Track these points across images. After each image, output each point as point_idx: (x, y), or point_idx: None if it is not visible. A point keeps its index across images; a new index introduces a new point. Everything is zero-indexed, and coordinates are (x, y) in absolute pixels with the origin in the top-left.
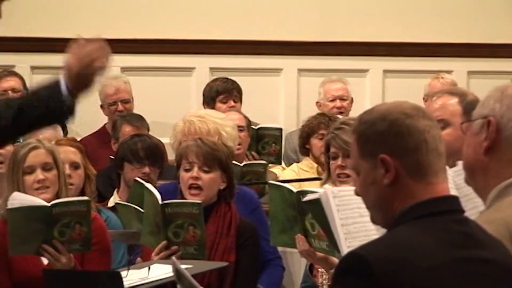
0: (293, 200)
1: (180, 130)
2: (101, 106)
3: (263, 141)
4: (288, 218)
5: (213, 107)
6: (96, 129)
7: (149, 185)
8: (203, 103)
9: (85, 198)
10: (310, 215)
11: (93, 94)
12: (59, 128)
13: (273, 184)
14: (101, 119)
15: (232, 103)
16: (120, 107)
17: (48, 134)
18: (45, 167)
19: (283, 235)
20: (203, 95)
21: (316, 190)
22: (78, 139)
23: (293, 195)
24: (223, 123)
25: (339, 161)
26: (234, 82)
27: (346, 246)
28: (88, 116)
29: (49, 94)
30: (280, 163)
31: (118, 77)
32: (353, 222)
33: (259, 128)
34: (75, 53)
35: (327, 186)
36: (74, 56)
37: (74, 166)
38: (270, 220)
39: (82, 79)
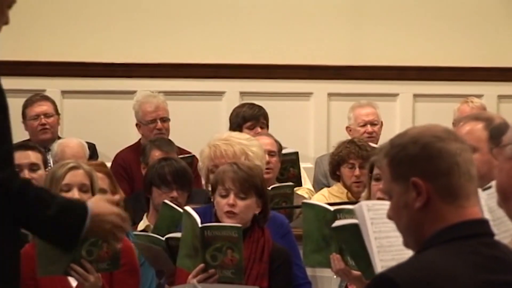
0: (330, 218)
1: (207, 156)
2: (137, 124)
3: (281, 167)
4: (324, 237)
5: None
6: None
7: (188, 208)
8: (230, 129)
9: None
10: (341, 240)
11: (113, 114)
12: (86, 147)
13: (307, 203)
14: (127, 140)
15: (258, 129)
16: (159, 125)
17: (75, 150)
18: (82, 188)
19: (317, 254)
20: (230, 121)
21: (353, 207)
22: (108, 162)
23: (329, 214)
24: (248, 143)
25: (381, 185)
26: (260, 108)
27: (379, 259)
28: (115, 136)
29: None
30: (301, 185)
31: (156, 96)
32: (386, 236)
33: None
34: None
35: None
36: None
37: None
38: (304, 239)
39: (102, 230)
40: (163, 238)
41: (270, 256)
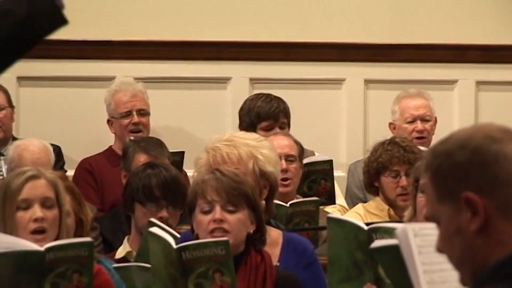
0: (363, 239)
1: (204, 163)
2: (108, 121)
3: (309, 179)
4: (355, 262)
5: None
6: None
7: (154, 229)
8: (240, 128)
9: (87, 239)
10: (382, 265)
11: (85, 107)
12: (51, 151)
13: (334, 218)
14: (103, 142)
15: (277, 130)
16: (136, 118)
17: (36, 155)
18: (46, 203)
19: (347, 284)
20: (240, 117)
21: (394, 225)
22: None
23: (362, 234)
24: (257, 144)
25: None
26: (280, 101)
27: None
28: (87, 137)
29: None
30: (334, 203)
31: (132, 83)
32: (439, 269)
33: (303, 165)
34: None
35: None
36: None
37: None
38: (329, 266)
39: None
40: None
41: (275, 285)
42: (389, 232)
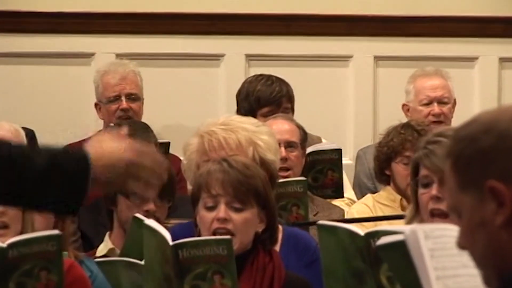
0: (361, 246)
1: (196, 149)
2: (96, 105)
3: (315, 169)
4: (354, 272)
5: None
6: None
7: (150, 222)
8: (238, 113)
9: (54, 232)
10: (386, 266)
11: (61, 87)
12: (23, 136)
13: (325, 225)
14: (82, 126)
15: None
16: (124, 103)
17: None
18: None
19: None
20: (238, 102)
21: (396, 228)
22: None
23: (359, 240)
24: (256, 129)
25: (434, 190)
26: (282, 84)
27: None
28: (64, 120)
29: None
30: (342, 196)
31: (124, 64)
32: (454, 274)
33: (308, 154)
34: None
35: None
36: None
37: None
38: (325, 278)
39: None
40: (142, 262)
41: None
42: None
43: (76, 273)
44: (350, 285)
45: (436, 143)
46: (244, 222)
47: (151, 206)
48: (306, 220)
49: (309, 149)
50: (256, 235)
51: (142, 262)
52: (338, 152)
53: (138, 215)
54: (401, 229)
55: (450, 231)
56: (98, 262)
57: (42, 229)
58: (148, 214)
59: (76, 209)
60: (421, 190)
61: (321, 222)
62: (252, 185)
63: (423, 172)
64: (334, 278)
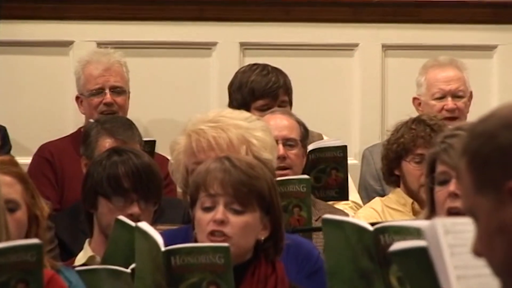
0: (369, 243)
1: (184, 149)
2: (77, 98)
3: (317, 168)
4: (362, 272)
5: None
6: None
7: (143, 224)
8: (230, 107)
9: (35, 241)
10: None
11: (36, 79)
12: None
13: (331, 220)
14: (59, 122)
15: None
16: (109, 97)
17: None
18: None
19: None
20: (230, 94)
21: (409, 223)
22: (27, 156)
23: (368, 236)
24: (249, 125)
25: (452, 187)
26: (279, 74)
27: None
28: (39, 115)
29: None
30: (346, 198)
31: (108, 53)
32: (476, 274)
33: (310, 151)
34: None
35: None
36: None
37: (10, 208)
38: (329, 279)
39: None
40: (128, 270)
41: None
42: (401, 232)
43: (57, 285)
44: (356, 285)
45: (455, 137)
46: (243, 226)
47: (135, 209)
48: (309, 223)
49: (311, 146)
50: (258, 243)
51: (128, 270)
52: (343, 149)
53: (121, 217)
54: (414, 224)
55: (474, 227)
56: (78, 271)
57: (13, 236)
58: (132, 218)
59: None
60: (437, 188)
61: (326, 216)
62: (255, 186)
63: (440, 168)
64: (340, 279)
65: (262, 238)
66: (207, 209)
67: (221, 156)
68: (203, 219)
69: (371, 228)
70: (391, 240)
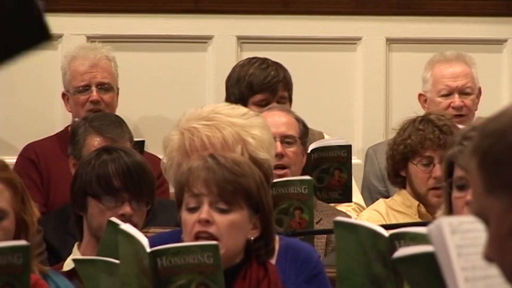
0: (383, 248)
1: (177, 147)
2: (63, 95)
3: (319, 168)
4: (374, 278)
5: None
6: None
7: (126, 226)
8: (227, 101)
9: (21, 242)
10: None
11: (23, 75)
12: None
13: (344, 223)
14: (49, 121)
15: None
16: (95, 95)
17: None
18: None
19: None
20: (227, 89)
21: (422, 230)
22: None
23: (382, 241)
24: (245, 122)
25: (469, 196)
26: (279, 68)
27: None
28: (27, 113)
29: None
30: (350, 200)
31: (96, 48)
32: (484, 275)
33: (312, 150)
34: None
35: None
36: None
37: None
38: (339, 284)
39: None
40: None
41: None
42: (417, 239)
43: None
44: None
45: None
46: (230, 225)
47: (126, 209)
48: (311, 226)
49: (313, 145)
50: (248, 244)
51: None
52: (347, 149)
53: (113, 219)
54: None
55: (484, 231)
56: (75, 261)
57: (1, 239)
58: (124, 219)
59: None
60: (455, 193)
61: (339, 219)
62: (241, 184)
63: (458, 172)
64: (350, 284)
65: (252, 238)
66: (192, 210)
67: (204, 154)
68: (188, 220)
69: (386, 233)
70: (408, 245)
